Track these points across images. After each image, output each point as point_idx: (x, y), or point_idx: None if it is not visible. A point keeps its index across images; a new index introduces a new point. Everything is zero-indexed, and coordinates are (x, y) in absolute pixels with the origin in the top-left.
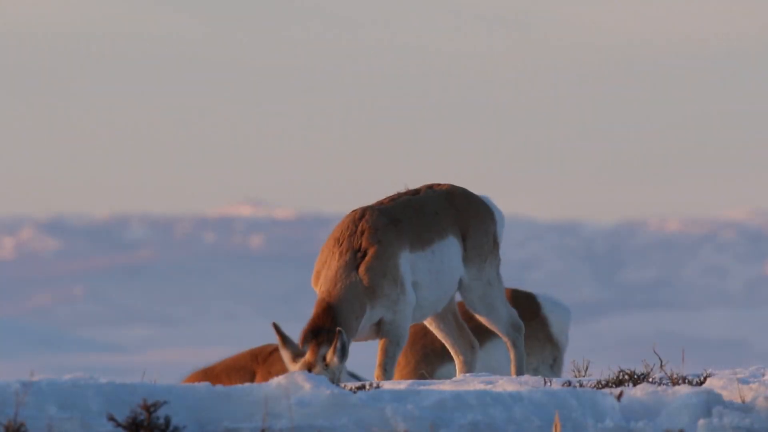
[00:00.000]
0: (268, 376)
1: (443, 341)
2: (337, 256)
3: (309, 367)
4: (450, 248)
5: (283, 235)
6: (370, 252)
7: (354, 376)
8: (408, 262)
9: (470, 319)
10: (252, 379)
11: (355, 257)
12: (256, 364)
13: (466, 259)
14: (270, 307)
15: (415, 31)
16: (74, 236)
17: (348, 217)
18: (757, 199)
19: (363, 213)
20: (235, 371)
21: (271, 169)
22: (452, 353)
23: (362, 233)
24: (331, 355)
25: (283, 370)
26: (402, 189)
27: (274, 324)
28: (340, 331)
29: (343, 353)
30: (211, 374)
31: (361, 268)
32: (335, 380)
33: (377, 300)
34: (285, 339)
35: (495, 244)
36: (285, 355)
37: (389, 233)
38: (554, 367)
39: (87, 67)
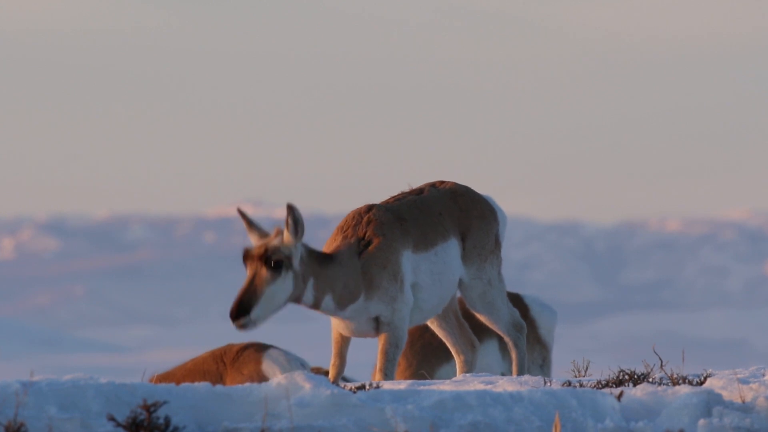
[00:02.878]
0: (240, 377)
1: (444, 340)
2: (340, 240)
3: (266, 246)
4: (452, 249)
5: None
6: (374, 242)
7: (345, 380)
8: (409, 262)
9: (469, 318)
10: (220, 383)
11: (358, 244)
12: (222, 366)
13: (466, 259)
14: None
15: (415, 31)
16: (74, 236)
17: (354, 211)
18: (757, 199)
19: (369, 208)
20: (200, 375)
21: (271, 169)
22: (453, 352)
23: (368, 224)
24: (285, 231)
25: (256, 370)
26: (405, 188)
27: (239, 210)
28: (290, 206)
29: (296, 229)
30: (171, 380)
31: (363, 256)
32: (294, 263)
33: (374, 291)
34: (251, 223)
35: (497, 245)
36: (253, 238)
37: (394, 230)
38: (543, 367)
39: (87, 67)
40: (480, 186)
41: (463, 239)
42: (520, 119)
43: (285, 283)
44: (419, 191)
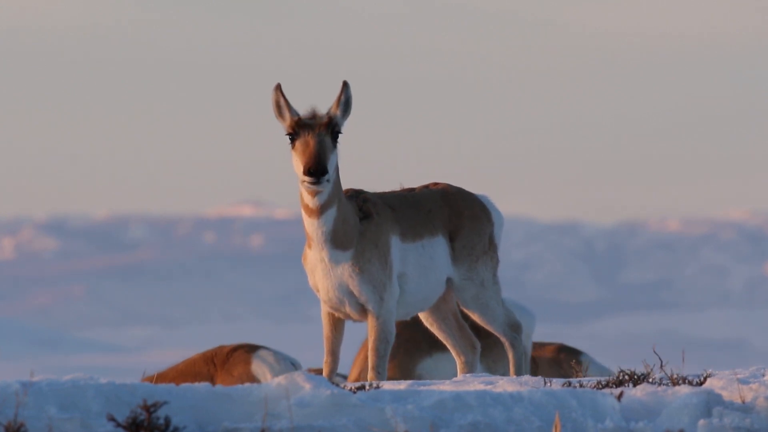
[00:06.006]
0: (230, 379)
1: (444, 342)
2: None
3: (330, 116)
4: (439, 246)
5: (283, 235)
6: (369, 218)
7: (343, 377)
8: (398, 250)
9: (468, 319)
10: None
11: (358, 209)
12: (213, 368)
13: (456, 259)
14: (270, 307)
15: (414, 30)
16: (74, 236)
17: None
18: (757, 199)
19: (361, 191)
20: (191, 377)
21: (271, 169)
22: (453, 354)
23: (364, 201)
24: (335, 106)
25: (246, 372)
26: (398, 188)
27: (279, 85)
28: (346, 83)
29: (346, 107)
30: (163, 381)
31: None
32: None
33: (364, 266)
34: (287, 101)
35: (491, 245)
36: (285, 114)
37: (386, 212)
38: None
39: (87, 66)
40: (479, 185)
41: (453, 239)
42: (520, 118)
43: (336, 155)
44: (410, 190)
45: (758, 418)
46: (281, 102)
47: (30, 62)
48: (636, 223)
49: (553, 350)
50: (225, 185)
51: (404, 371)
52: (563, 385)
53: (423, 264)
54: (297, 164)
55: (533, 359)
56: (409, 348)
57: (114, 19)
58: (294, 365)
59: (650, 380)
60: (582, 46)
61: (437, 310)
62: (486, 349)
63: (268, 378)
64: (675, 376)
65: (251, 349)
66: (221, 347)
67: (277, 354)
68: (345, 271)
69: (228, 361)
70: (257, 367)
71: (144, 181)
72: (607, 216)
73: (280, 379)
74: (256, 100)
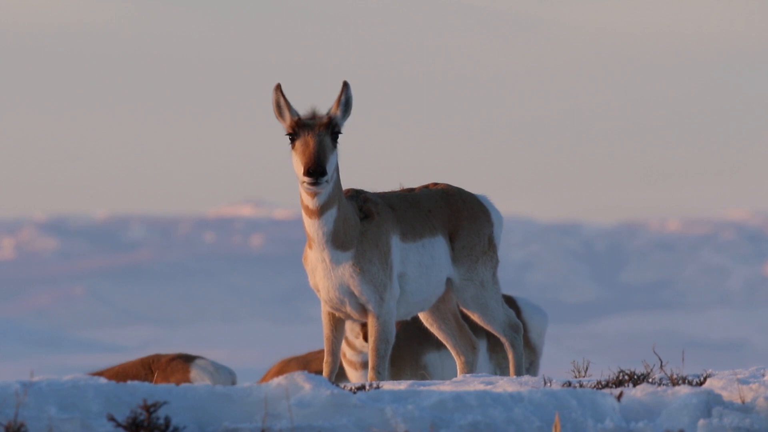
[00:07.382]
0: None
1: (444, 342)
2: None
3: (330, 116)
4: (439, 246)
5: (283, 235)
6: (369, 218)
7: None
8: (398, 250)
9: (468, 318)
10: None
11: (359, 209)
12: (150, 375)
13: (456, 259)
14: (270, 308)
15: (414, 29)
16: (74, 236)
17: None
18: (757, 200)
19: (361, 191)
20: (129, 380)
21: (271, 169)
22: (453, 354)
23: (364, 201)
24: (335, 106)
25: (184, 378)
26: (397, 188)
27: (279, 85)
28: (346, 83)
29: (346, 107)
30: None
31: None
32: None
33: (365, 266)
34: (288, 101)
35: (491, 245)
36: (285, 114)
37: (387, 212)
38: (530, 371)
39: (87, 66)
40: (479, 185)
41: (452, 239)
42: (520, 118)
43: (336, 155)
44: (410, 190)
45: (758, 418)
46: (281, 102)
47: (29, 62)
48: (636, 223)
49: None
50: (225, 185)
51: (412, 359)
52: (563, 385)
53: (423, 264)
54: (297, 164)
55: None
56: (420, 338)
57: (114, 18)
58: (231, 374)
59: (650, 380)
60: (582, 45)
61: (437, 310)
62: (497, 345)
63: None
64: (675, 376)
65: (189, 358)
66: (158, 355)
67: (215, 363)
68: (346, 272)
69: (166, 370)
70: (196, 374)
71: (144, 181)
72: (607, 216)
73: (281, 379)
74: (256, 100)
